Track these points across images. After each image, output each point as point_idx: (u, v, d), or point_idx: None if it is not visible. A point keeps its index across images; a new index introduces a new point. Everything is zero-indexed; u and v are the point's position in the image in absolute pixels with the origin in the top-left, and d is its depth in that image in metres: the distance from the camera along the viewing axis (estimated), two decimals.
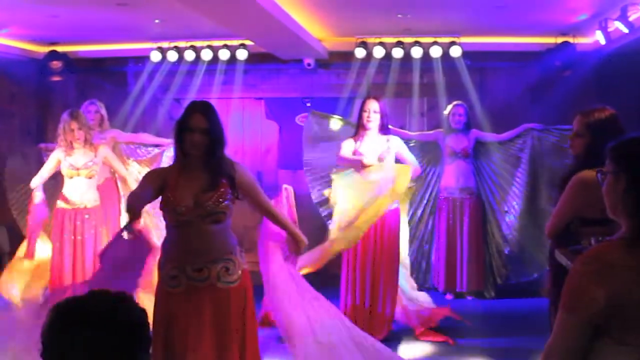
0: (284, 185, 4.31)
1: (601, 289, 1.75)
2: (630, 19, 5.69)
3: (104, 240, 5.82)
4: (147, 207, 4.07)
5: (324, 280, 7.23)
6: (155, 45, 7.63)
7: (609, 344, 1.78)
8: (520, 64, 7.42)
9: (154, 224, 5.64)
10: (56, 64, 7.61)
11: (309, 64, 7.69)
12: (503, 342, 5.28)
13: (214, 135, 3.40)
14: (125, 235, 3.38)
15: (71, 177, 5.67)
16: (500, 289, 6.80)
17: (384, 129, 5.47)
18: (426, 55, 7.28)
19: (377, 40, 7.31)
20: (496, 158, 6.87)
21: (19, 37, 7.33)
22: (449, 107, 6.89)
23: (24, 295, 5.72)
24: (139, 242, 3.45)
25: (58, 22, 6.47)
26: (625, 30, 5.76)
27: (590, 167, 3.29)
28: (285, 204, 4.19)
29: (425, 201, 7.02)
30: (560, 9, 6.07)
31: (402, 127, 6.99)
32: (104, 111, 6.47)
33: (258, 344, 3.62)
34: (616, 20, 5.77)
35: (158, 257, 3.46)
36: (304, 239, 3.78)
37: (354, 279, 5.40)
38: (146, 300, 3.46)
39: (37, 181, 5.67)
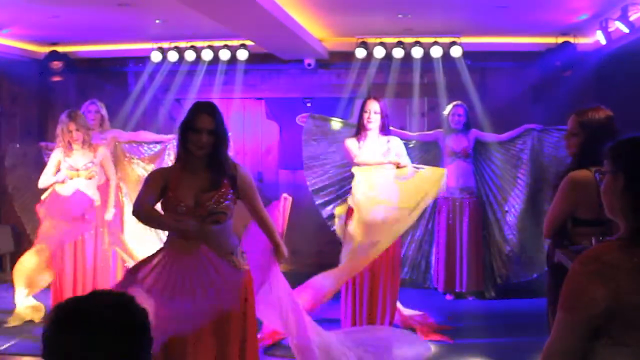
0: (284, 195, 4.30)
1: (600, 289, 1.75)
2: (631, 18, 5.69)
3: (104, 240, 5.82)
4: None
5: None
6: (155, 45, 7.64)
7: (608, 345, 1.78)
8: (520, 64, 7.42)
9: None
10: (57, 64, 7.63)
11: (309, 64, 7.69)
12: (503, 342, 5.28)
13: (220, 136, 3.42)
14: None
15: (71, 178, 5.67)
16: (500, 289, 6.80)
17: (384, 130, 5.47)
18: (427, 56, 7.28)
19: (378, 40, 7.31)
20: (496, 158, 6.87)
21: (19, 38, 7.34)
22: (449, 107, 6.89)
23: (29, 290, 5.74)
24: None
25: (59, 23, 6.48)
26: (626, 30, 5.76)
27: (585, 167, 3.31)
28: (280, 212, 4.19)
29: None
30: (561, 9, 6.07)
31: (402, 128, 7.00)
32: (104, 111, 6.47)
33: (258, 344, 3.63)
34: (617, 20, 5.77)
35: None
36: (285, 252, 3.77)
37: (353, 283, 5.39)
38: None
39: (45, 179, 5.67)
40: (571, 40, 7.04)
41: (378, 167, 5.38)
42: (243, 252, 3.56)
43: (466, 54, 7.22)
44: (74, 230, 5.70)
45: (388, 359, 4.77)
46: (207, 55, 7.59)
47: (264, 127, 8.28)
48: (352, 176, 5.99)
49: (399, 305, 5.62)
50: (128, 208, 6.31)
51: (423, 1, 5.93)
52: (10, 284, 7.27)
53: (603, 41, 6.22)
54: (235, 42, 7.48)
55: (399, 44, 7.26)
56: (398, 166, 5.42)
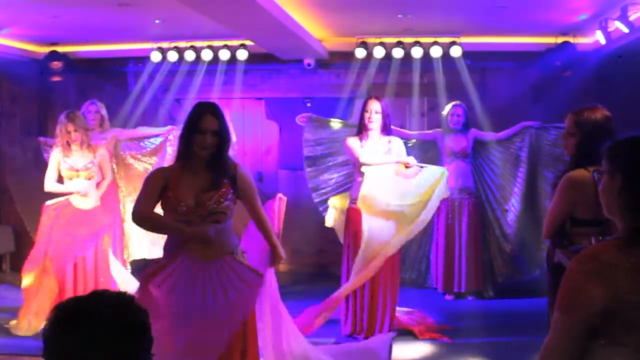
0: (279, 195, 4.30)
1: (597, 289, 1.75)
2: (631, 18, 5.69)
3: (104, 240, 5.81)
4: None
5: (324, 280, 7.27)
6: (155, 45, 7.63)
7: (606, 344, 1.78)
8: (520, 64, 7.42)
9: None
10: (56, 64, 7.62)
11: (309, 64, 7.69)
12: (502, 342, 5.28)
13: (223, 137, 3.42)
14: None
15: (70, 179, 5.67)
16: (499, 289, 6.80)
17: (385, 130, 5.48)
18: (426, 55, 7.28)
19: (377, 40, 7.31)
20: (495, 157, 6.88)
21: (19, 38, 7.34)
22: (448, 107, 6.89)
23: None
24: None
25: (59, 23, 6.48)
26: (626, 30, 5.76)
27: (583, 166, 3.31)
28: (275, 212, 4.19)
29: None
30: (561, 9, 6.07)
31: (402, 127, 6.99)
32: (104, 111, 6.48)
33: (258, 343, 3.63)
34: (616, 20, 5.77)
35: None
36: (282, 254, 3.76)
37: None
38: None
39: (49, 184, 5.65)
40: (571, 40, 7.04)
41: (384, 167, 5.39)
42: (244, 251, 3.57)
43: (466, 54, 7.22)
44: (85, 242, 5.67)
45: None
46: (206, 55, 7.59)
47: (264, 127, 8.29)
48: (351, 174, 6.00)
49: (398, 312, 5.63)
50: (129, 206, 6.35)
51: (423, 1, 5.93)
52: (10, 284, 7.31)
53: (603, 41, 6.22)
54: (235, 42, 7.48)
55: (399, 44, 7.26)
56: (407, 166, 5.43)
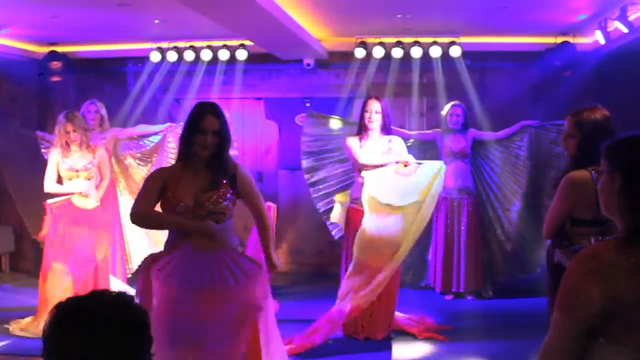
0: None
1: (597, 288, 1.75)
2: (630, 18, 5.69)
3: (104, 241, 5.81)
4: None
5: (324, 280, 7.28)
6: (154, 45, 7.63)
7: (606, 344, 1.78)
8: (520, 64, 7.42)
9: None
10: (56, 64, 7.62)
11: (308, 64, 7.69)
12: (501, 342, 5.28)
13: (224, 137, 3.42)
14: None
15: (70, 179, 5.66)
16: (499, 289, 6.80)
17: (385, 129, 5.48)
18: (426, 55, 7.28)
19: (377, 40, 7.31)
20: (495, 157, 6.88)
21: (19, 38, 7.34)
22: (447, 107, 6.89)
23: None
24: None
25: (58, 23, 6.48)
26: (625, 30, 5.76)
27: (583, 167, 3.31)
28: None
29: None
30: (560, 9, 6.07)
31: (401, 127, 7.00)
32: (104, 111, 6.47)
33: (260, 346, 3.62)
34: (616, 20, 5.77)
35: None
36: (276, 263, 3.71)
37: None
38: None
39: (49, 184, 5.64)
40: (570, 40, 7.04)
41: (383, 168, 5.39)
42: (244, 251, 3.57)
43: (465, 54, 7.22)
44: (94, 242, 5.66)
45: None
46: (206, 55, 7.59)
47: (263, 127, 8.29)
48: (350, 171, 6.00)
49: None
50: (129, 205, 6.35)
51: (422, 1, 5.93)
52: (9, 284, 7.31)
53: (602, 41, 6.22)
54: (234, 42, 7.48)
55: (398, 43, 7.26)
56: (405, 165, 5.43)
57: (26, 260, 7.91)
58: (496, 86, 7.53)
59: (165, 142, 6.63)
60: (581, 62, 6.98)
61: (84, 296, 1.63)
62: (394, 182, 5.39)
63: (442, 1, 5.95)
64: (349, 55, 7.45)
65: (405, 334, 5.43)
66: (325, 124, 6.64)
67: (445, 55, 7.23)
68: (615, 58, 6.53)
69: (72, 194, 5.63)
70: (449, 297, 6.74)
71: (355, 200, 5.43)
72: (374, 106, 5.45)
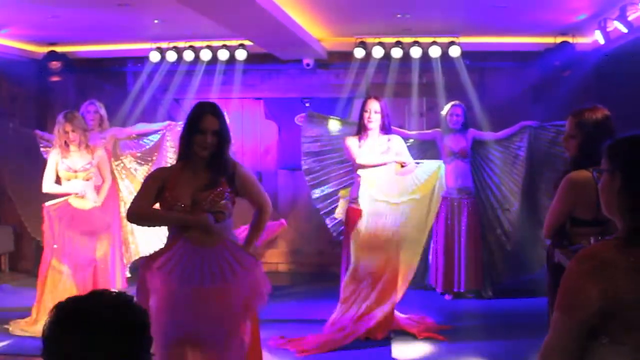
0: (282, 220, 4.33)
1: (597, 288, 1.75)
2: (629, 18, 5.69)
3: (103, 241, 5.81)
4: None
5: (324, 280, 7.28)
6: (154, 45, 7.63)
7: (606, 343, 1.78)
8: (519, 64, 7.42)
9: None
10: (55, 64, 7.62)
11: (308, 64, 7.69)
12: (501, 342, 5.28)
13: (223, 136, 3.42)
14: None
15: (68, 180, 5.66)
16: (499, 289, 6.80)
17: (385, 129, 5.48)
18: (425, 55, 7.28)
19: (376, 40, 7.31)
20: (494, 157, 6.88)
21: (18, 38, 7.34)
22: (447, 107, 6.89)
23: None
24: None
25: (57, 23, 6.48)
26: (625, 30, 5.76)
27: (584, 167, 3.31)
28: (269, 231, 4.18)
29: None
30: (560, 8, 6.07)
31: (401, 127, 7.00)
32: (103, 111, 6.47)
33: (260, 342, 3.63)
34: (615, 20, 5.77)
35: None
36: (252, 253, 3.65)
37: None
38: None
39: (47, 185, 5.63)
40: (570, 40, 7.04)
41: (381, 168, 5.39)
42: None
43: (465, 54, 7.22)
44: (92, 243, 5.67)
45: None
46: (205, 55, 7.59)
47: (263, 127, 8.29)
48: (350, 172, 6.01)
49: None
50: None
51: (422, 1, 5.93)
52: (8, 284, 7.31)
53: (602, 41, 6.22)
54: (234, 42, 7.48)
55: (398, 43, 7.26)
56: (402, 165, 5.45)
57: (26, 261, 7.91)
58: (496, 86, 7.54)
59: (164, 141, 6.64)
60: (581, 62, 6.98)
61: (83, 296, 1.63)
62: (392, 180, 5.40)
63: (441, 1, 5.95)
64: (349, 55, 7.45)
65: (405, 334, 5.43)
66: (324, 125, 6.64)
67: (444, 55, 7.23)
68: (615, 58, 6.54)
69: (70, 194, 5.63)
70: (448, 297, 6.74)
71: (355, 200, 5.43)
72: (373, 106, 5.45)
